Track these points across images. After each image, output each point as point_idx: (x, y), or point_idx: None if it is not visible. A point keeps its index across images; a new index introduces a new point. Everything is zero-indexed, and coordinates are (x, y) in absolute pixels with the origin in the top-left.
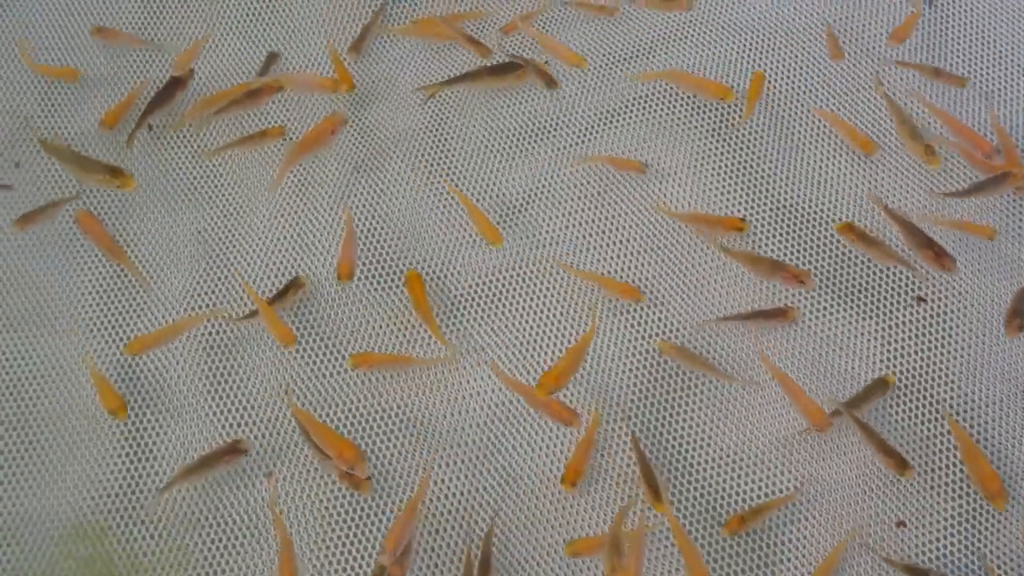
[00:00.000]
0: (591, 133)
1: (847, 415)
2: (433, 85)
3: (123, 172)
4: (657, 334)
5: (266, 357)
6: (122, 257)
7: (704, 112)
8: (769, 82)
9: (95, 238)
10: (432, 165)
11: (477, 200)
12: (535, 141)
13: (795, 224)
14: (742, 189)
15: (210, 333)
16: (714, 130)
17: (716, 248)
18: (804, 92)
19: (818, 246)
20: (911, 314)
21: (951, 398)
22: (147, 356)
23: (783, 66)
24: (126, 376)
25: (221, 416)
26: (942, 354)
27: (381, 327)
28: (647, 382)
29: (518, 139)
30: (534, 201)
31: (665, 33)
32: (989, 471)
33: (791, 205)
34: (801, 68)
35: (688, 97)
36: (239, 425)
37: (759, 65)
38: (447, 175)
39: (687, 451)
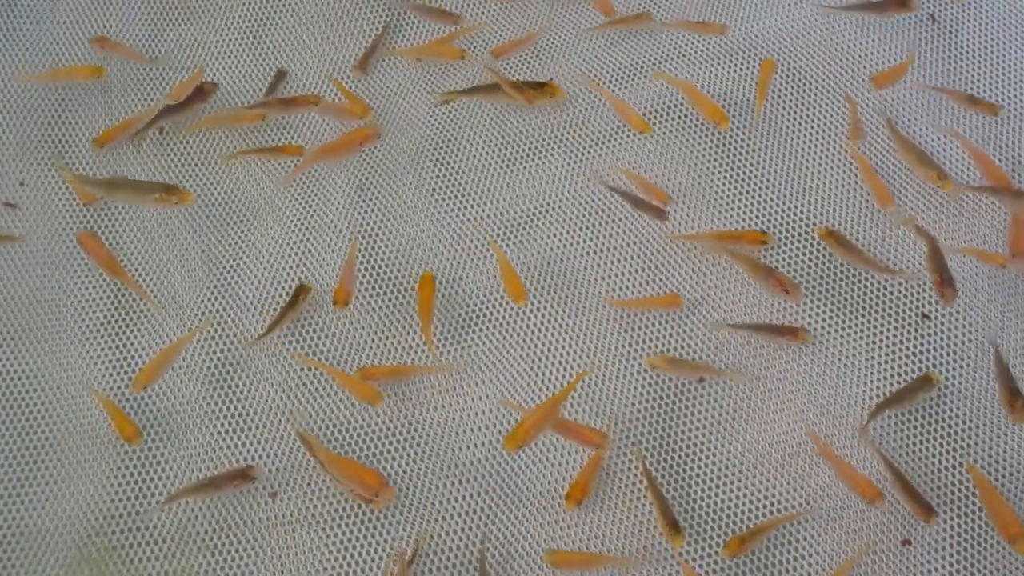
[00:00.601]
0: (597, 148)
1: (878, 455)
2: (450, 92)
3: (179, 188)
4: (667, 349)
5: (272, 376)
6: (124, 276)
7: (713, 128)
8: (783, 103)
9: (97, 259)
10: (437, 183)
11: (481, 216)
12: (541, 157)
13: (801, 241)
14: (750, 205)
15: (215, 353)
16: (721, 147)
17: (724, 252)
18: (820, 114)
19: (821, 262)
20: (917, 332)
21: (958, 416)
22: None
23: (797, 85)
24: (132, 397)
25: (226, 437)
26: (949, 374)
27: (385, 344)
28: (654, 398)
29: (524, 156)
30: (540, 217)
31: (674, 50)
32: (1010, 516)
33: (799, 223)
34: (818, 89)
35: (696, 113)
36: (244, 446)
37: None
38: (465, 206)
39: (693, 468)
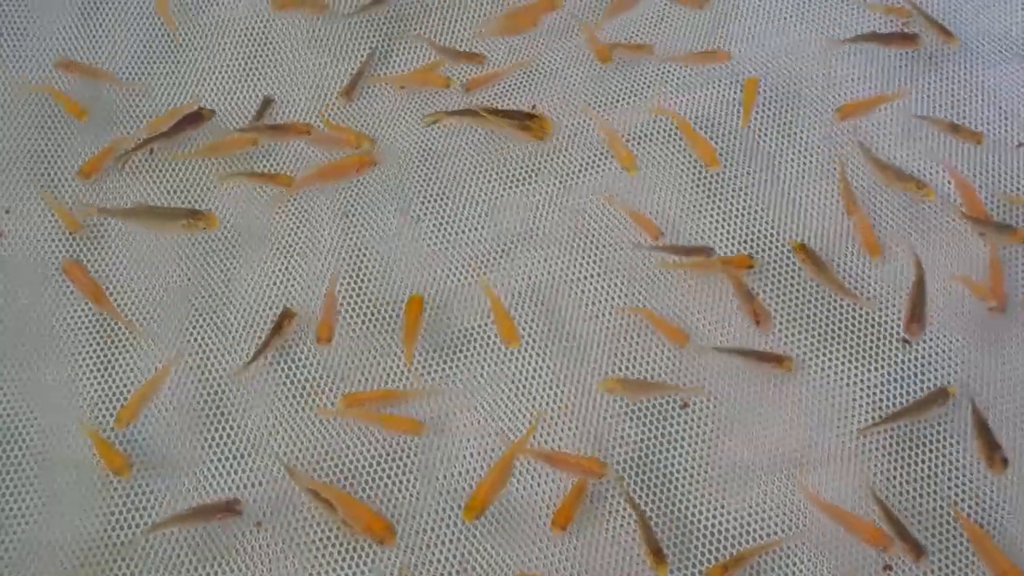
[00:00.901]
0: (583, 174)
1: (876, 504)
2: (438, 113)
3: (205, 213)
4: (652, 375)
5: (258, 403)
6: (108, 305)
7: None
8: (769, 128)
9: (82, 287)
10: (421, 210)
11: (465, 243)
12: (526, 183)
13: (787, 266)
14: (736, 228)
15: (203, 382)
16: (705, 174)
17: (719, 271)
18: (806, 144)
19: (805, 286)
20: (900, 359)
21: (941, 443)
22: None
23: (784, 112)
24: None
25: (213, 465)
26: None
27: (371, 371)
28: (638, 424)
29: (509, 182)
30: (525, 243)
31: (661, 76)
32: (1007, 564)
33: (784, 247)
34: (803, 120)
35: (675, 141)
36: (230, 474)
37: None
38: (449, 233)
39: (676, 495)
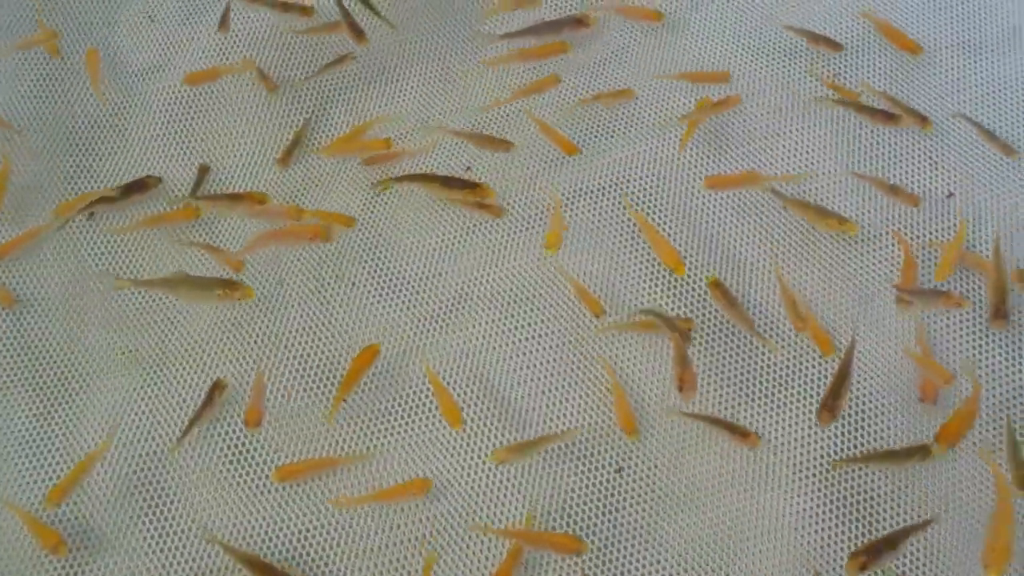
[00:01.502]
0: (520, 236)
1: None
2: (386, 179)
3: (240, 284)
4: (591, 439)
5: (193, 477)
6: None
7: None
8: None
9: None
10: (358, 276)
11: (406, 307)
12: (463, 246)
13: (727, 330)
14: (671, 291)
15: (137, 458)
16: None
17: (666, 329)
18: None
19: (748, 351)
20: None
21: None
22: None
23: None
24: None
25: (149, 543)
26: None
27: (308, 439)
28: (580, 491)
29: (445, 246)
30: (462, 306)
31: (602, 127)
32: None
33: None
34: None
35: (617, 200)
36: (168, 551)
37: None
38: (387, 299)
39: (615, 560)
